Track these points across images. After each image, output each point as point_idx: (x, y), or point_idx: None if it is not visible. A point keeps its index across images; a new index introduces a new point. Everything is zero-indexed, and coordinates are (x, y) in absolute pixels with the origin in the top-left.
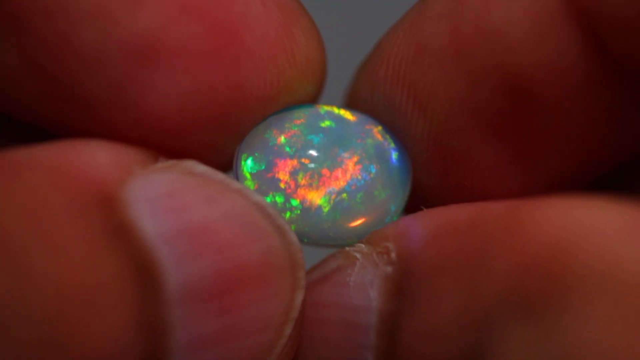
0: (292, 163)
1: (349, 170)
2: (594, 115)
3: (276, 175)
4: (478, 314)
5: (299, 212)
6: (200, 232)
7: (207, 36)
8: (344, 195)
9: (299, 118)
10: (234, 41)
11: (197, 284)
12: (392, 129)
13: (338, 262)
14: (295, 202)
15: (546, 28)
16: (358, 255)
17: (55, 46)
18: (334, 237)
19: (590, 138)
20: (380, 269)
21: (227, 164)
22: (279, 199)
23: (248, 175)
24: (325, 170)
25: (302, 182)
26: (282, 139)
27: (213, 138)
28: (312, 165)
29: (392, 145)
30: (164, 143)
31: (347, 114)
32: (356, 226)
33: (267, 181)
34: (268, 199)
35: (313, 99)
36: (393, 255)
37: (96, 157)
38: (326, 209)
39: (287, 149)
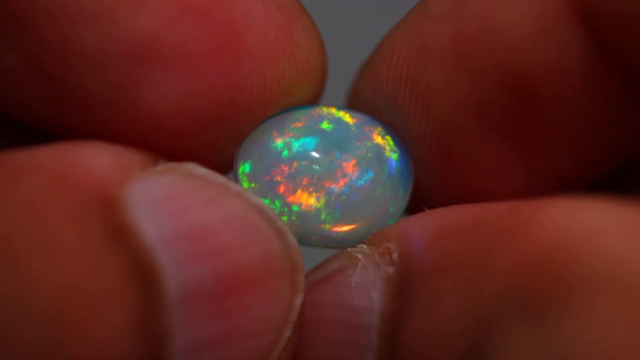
0: (290, 166)
1: (348, 172)
2: (596, 115)
3: (274, 179)
4: (479, 314)
5: (297, 215)
6: (200, 235)
7: (208, 37)
8: (343, 197)
9: (299, 120)
10: (234, 42)
11: (197, 286)
12: (394, 129)
13: (340, 263)
14: (293, 206)
15: (548, 27)
16: (360, 256)
17: (55, 47)
18: (333, 239)
19: (593, 137)
20: (382, 270)
21: (227, 166)
22: (278, 203)
23: (246, 179)
24: (323, 173)
25: (301, 185)
26: (281, 141)
27: (213, 139)
28: (311, 168)
29: (393, 146)
30: (164, 144)
31: (346, 116)
32: (355, 228)
33: (265, 184)
34: (266, 201)
35: (313, 100)
36: (395, 255)
37: (96, 159)
38: (324, 212)
39: (286, 151)
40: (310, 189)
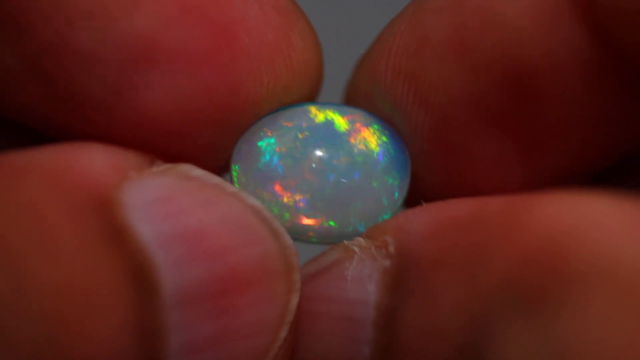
0: (281, 163)
1: (338, 168)
2: (595, 110)
3: (266, 176)
4: (476, 309)
5: (289, 213)
6: (196, 236)
7: (205, 38)
8: (334, 192)
9: (290, 119)
10: (231, 43)
11: (193, 287)
12: (391, 123)
13: (336, 256)
14: (285, 202)
15: (549, 20)
16: (356, 249)
17: (52, 47)
18: (328, 234)
19: (591, 132)
20: (378, 263)
21: (223, 166)
22: (270, 199)
23: (238, 178)
24: (314, 169)
25: (292, 181)
26: (272, 139)
27: (210, 140)
28: (301, 165)
29: (385, 140)
30: (160, 145)
31: (338, 115)
32: (349, 223)
33: (257, 182)
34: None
35: (309, 101)
36: (392, 249)
37: (93, 160)
38: (316, 207)
39: (276, 149)
40: (301, 186)
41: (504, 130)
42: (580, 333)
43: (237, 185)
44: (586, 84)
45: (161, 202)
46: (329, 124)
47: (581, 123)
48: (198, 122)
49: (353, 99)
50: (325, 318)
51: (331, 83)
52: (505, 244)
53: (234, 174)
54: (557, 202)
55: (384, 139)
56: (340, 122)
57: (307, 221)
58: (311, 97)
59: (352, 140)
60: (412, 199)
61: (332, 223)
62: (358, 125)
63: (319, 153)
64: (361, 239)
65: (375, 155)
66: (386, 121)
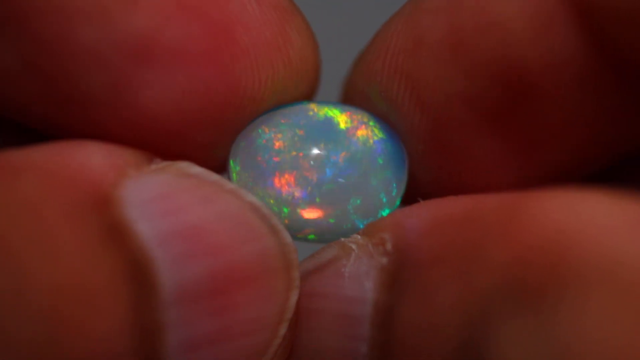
0: (280, 159)
1: (337, 164)
2: (590, 111)
3: (264, 172)
4: (474, 306)
5: (288, 208)
6: (194, 233)
7: (203, 36)
8: (333, 187)
9: (288, 116)
10: (229, 41)
11: (192, 284)
12: (388, 122)
13: (333, 253)
14: (283, 197)
15: (545, 21)
16: (353, 246)
17: (51, 46)
18: (326, 231)
19: (587, 133)
20: (375, 260)
21: (221, 164)
22: (269, 194)
23: (237, 174)
24: (312, 164)
25: (290, 176)
26: (270, 135)
27: (208, 138)
28: (300, 160)
29: (382, 136)
30: (159, 143)
31: (336, 112)
32: (347, 219)
33: (255, 177)
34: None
35: (307, 98)
36: (389, 246)
37: (91, 158)
38: (315, 202)
39: (274, 144)
40: (300, 181)
41: (500, 130)
42: (578, 331)
43: (235, 181)
44: (582, 85)
45: (160, 200)
46: (328, 120)
47: (578, 123)
48: (197, 121)
49: (350, 98)
50: (323, 315)
51: (328, 82)
52: (503, 242)
53: (233, 170)
54: (555, 199)
55: (382, 135)
56: (340, 118)
57: (306, 216)
58: (309, 94)
59: (351, 137)
60: (409, 198)
61: (330, 220)
62: (356, 122)
63: (317, 149)
64: (358, 236)
65: (373, 151)
66: (383, 120)
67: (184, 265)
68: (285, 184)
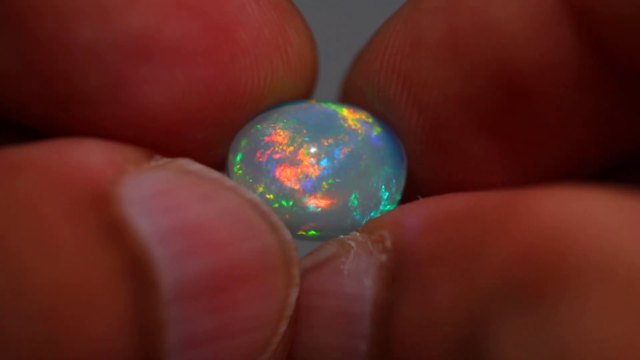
0: (282, 152)
1: (339, 157)
2: (590, 110)
3: (265, 165)
4: (473, 304)
5: (291, 202)
6: (194, 230)
7: (203, 35)
8: (334, 180)
9: (288, 113)
10: (228, 39)
11: (192, 282)
12: (386, 121)
13: (332, 250)
14: (285, 191)
15: (542, 24)
16: (352, 244)
17: (49, 46)
18: (326, 225)
19: (586, 133)
20: (375, 257)
21: (221, 162)
22: (271, 187)
23: (237, 169)
24: (314, 159)
25: (290, 174)
26: (271, 133)
27: (206, 136)
28: (300, 155)
29: (385, 135)
30: (158, 141)
31: (338, 107)
32: (347, 214)
33: (256, 170)
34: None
35: (305, 97)
36: (388, 243)
37: (90, 155)
38: (315, 197)
39: (275, 143)
40: (300, 177)
41: (498, 131)
42: (578, 329)
43: (235, 178)
44: (580, 85)
45: (159, 197)
46: (329, 116)
47: (576, 123)
48: (196, 119)
49: (348, 97)
50: (322, 313)
51: (326, 82)
52: (502, 239)
53: (233, 167)
54: (555, 197)
55: (382, 133)
56: (341, 114)
57: (306, 212)
58: (307, 93)
59: (352, 133)
60: (408, 196)
61: (331, 216)
62: (357, 119)
63: (318, 145)
64: (357, 234)
65: (374, 147)
66: (381, 119)
67: (184, 262)
68: (285, 180)
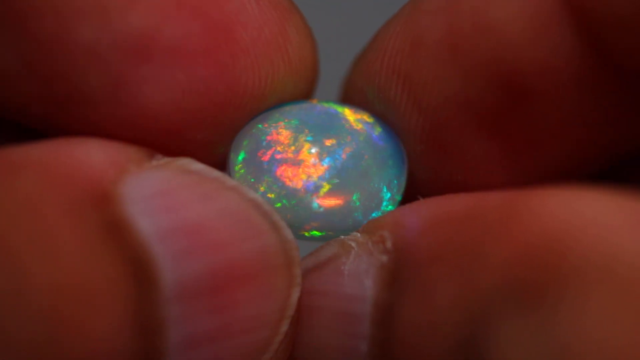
0: (284, 152)
1: (341, 157)
2: (589, 110)
3: (266, 166)
4: (474, 305)
5: (290, 200)
6: (195, 230)
7: (203, 35)
8: (336, 181)
9: (290, 113)
10: (229, 39)
11: (193, 281)
12: (386, 121)
13: (333, 251)
14: (287, 191)
15: (542, 25)
16: (353, 244)
17: (49, 46)
18: (327, 225)
19: (586, 133)
20: (375, 258)
21: (222, 161)
22: (273, 187)
23: (239, 169)
24: (316, 158)
25: (292, 174)
26: (272, 133)
27: (207, 135)
28: (302, 155)
29: (386, 135)
30: (158, 141)
31: (342, 108)
32: (348, 213)
33: (258, 169)
34: (264, 189)
35: (305, 97)
36: (389, 244)
37: (91, 155)
38: (318, 196)
39: (277, 143)
40: (302, 177)
41: (496, 132)
42: (578, 329)
43: (236, 178)
44: (580, 85)
45: (160, 196)
46: (330, 116)
47: (576, 124)
48: (197, 120)
49: (349, 97)
50: (323, 313)
51: (326, 82)
52: (502, 240)
53: (234, 167)
54: (555, 197)
55: (383, 133)
56: (345, 113)
57: (308, 212)
58: (307, 93)
59: (354, 133)
60: (409, 196)
61: (333, 216)
62: (361, 116)
63: (320, 144)
64: (358, 234)
65: (376, 148)
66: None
67: (185, 262)
68: (287, 180)
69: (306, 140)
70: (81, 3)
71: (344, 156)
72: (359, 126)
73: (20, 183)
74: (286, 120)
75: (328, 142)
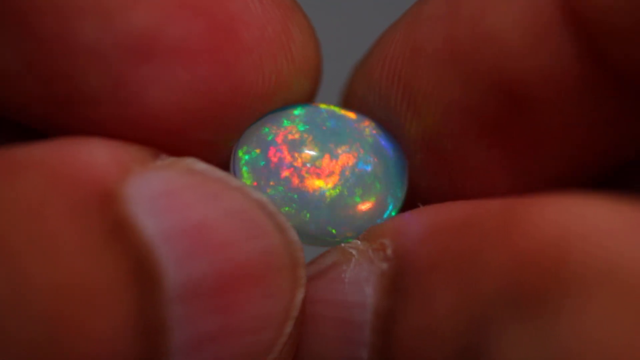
0: (289, 156)
1: (347, 163)
2: (589, 117)
3: (273, 168)
4: (474, 312)
5: (297, 203)
6: (199, 231)
7: (206, 33)
8: (341, 188)
9: (297, 114)
10: (232, 38)
11: (197, 282)
12: (387, 128)
13: (333, 259)
14: (294, 194)
15: (541, 33)
16: (353, 252)
17: (51, 45)
18: (332, 230)
19: (586, 139)
20: (375, 266)
21: (225, 162)
22: (280, 188)
23: (245, 170)
24: (323, 162)
25: (300, 174)
26: (279, 133)
27: (211, 135)
28: (310, 158)
29: (388, 139)
30: (161, 141)
31: (346, 112)
32: (354, 218)
33: (264, 174)
34: (270, 191)
35: (309, 97)
36: (389, 251)
37: (94, 155)
38: (324, 201)
39: (285, 143)
40: (310, 179)
41: (496, 139)
42: (580, 335)
43: (242, 179)
44: (577, 95)
45: (165, 196)
46: (338, 118)
47: (576, 130)
48: (200, 119)
49: (349, 103)
50: (323, 320)
51: (328, 87)
52: (502, 246)
53: (240, 167)
54: (555, 203)
55: (385, 136)
56: (350, 117)
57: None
58: (311, 92)
59: (360, 137)
60: (409, 203)
61: (337, 216)
62: (367, 122)
63: (326, 148)
64: (358, 242)
65: (382, 153)
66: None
67: (189, 262)
68: (293, 183)
69: (314, 144)
70: (82, 2)
71: (351, 161)
72: (366, 132)
73: (23, 183)
74: (292, 123)
75: (335, 147)
